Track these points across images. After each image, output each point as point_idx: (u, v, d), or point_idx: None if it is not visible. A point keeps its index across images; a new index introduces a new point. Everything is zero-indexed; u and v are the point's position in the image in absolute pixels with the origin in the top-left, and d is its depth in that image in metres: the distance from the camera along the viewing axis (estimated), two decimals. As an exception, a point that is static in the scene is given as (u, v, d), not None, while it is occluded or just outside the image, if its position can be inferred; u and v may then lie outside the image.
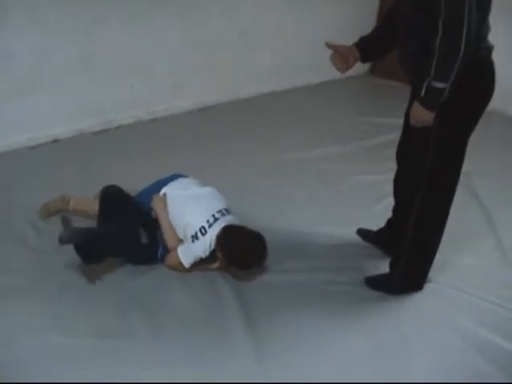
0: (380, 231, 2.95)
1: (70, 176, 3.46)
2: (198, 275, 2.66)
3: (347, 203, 3.39)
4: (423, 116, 2.14)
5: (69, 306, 2.41)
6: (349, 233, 3.04)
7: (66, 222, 2.75)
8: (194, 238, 2.62)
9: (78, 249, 2.50)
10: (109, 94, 4.14)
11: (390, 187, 2.78)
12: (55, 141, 3.91)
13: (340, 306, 2.54)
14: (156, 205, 2.75)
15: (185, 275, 2.64)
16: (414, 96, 2.22)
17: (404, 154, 2.58)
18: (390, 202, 2.83)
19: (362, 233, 3.05)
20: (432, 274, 2.64)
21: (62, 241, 2.48)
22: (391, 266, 2.66)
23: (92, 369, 2.11)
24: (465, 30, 1.92)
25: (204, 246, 2.60)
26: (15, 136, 3.72)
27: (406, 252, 2.53)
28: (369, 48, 2.43)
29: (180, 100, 4.56)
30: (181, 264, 2.61)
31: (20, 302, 2.40)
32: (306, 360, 2.24)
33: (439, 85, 2.02)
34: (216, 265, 2.65)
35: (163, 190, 2.81)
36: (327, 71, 2.76)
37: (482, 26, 2.07)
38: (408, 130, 2.43)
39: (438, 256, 2.57)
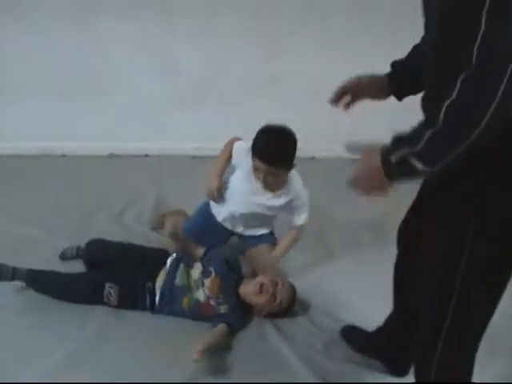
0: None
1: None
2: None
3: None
4: (378, 182, 1.33)
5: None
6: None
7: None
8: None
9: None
10: (300, 119, 3.78)
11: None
12: (222, 155, 3.78)
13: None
14: (227, 144, 2.69)
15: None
16: None
17: None
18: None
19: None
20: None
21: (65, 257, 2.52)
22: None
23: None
24: (501, 88, 1.10)
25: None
26: (181, 143, 3.74)
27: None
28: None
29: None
30: None
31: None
32: None
33: (420, 166, 1.23)
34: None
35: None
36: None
37: None
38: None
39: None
